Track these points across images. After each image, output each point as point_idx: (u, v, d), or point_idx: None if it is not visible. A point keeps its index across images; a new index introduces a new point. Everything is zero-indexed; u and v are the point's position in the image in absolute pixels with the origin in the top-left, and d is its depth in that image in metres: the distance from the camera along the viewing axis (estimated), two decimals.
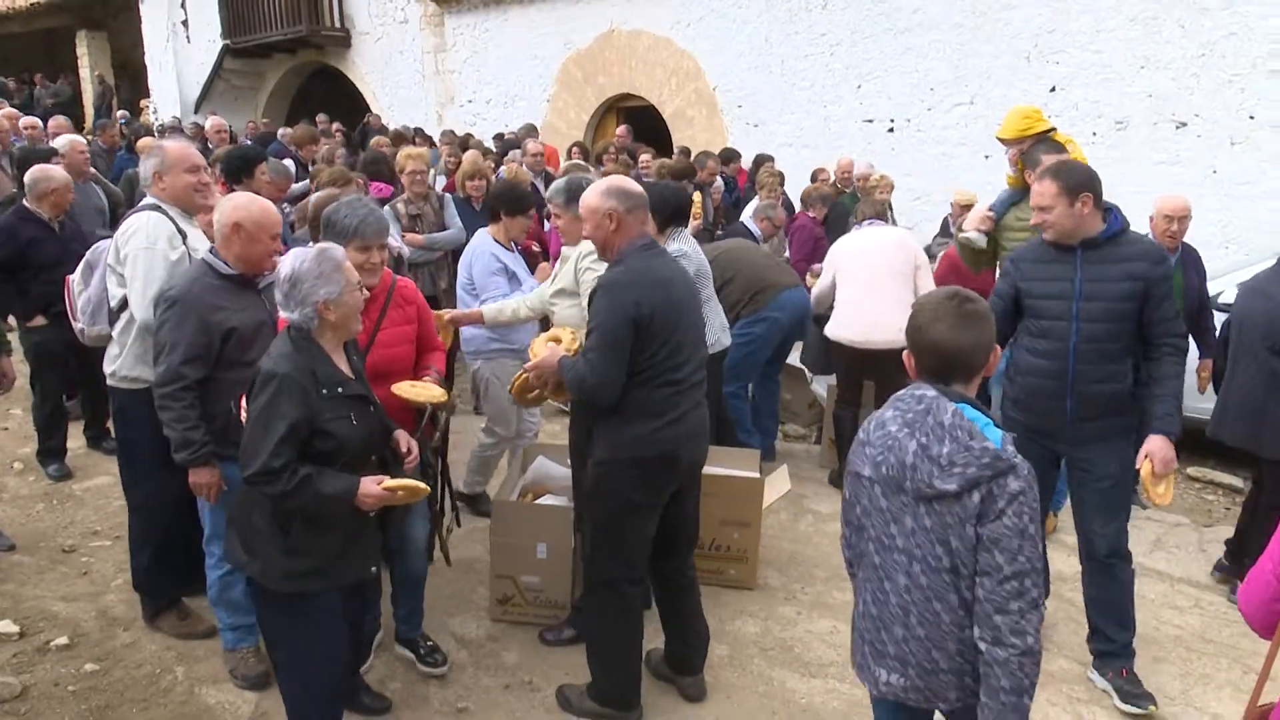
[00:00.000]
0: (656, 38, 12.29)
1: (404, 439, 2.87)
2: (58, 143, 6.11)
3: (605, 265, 3.18)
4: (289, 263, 2.56)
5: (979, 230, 4.53)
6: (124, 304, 3.42)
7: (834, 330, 5.18)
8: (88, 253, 3.96)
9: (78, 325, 3.90)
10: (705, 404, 3.18)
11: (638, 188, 3.12)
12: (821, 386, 6.20)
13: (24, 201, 5.06)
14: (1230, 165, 8.21)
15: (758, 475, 4.16)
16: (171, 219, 3.43)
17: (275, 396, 2.47)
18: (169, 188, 3.47)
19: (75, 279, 3.96)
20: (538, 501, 3.93)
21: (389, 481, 2.61)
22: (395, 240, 5.20)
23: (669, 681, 3.40)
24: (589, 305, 3.03)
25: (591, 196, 3.03)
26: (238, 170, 5.06)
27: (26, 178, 5.14)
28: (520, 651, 3.64)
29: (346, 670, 2.95)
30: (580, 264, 3.38)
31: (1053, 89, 9.13)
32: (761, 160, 9.13)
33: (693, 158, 8.68)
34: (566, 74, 13.46)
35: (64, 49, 21.41)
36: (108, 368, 3.52)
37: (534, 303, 4.13)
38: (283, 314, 2.60)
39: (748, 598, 4.08)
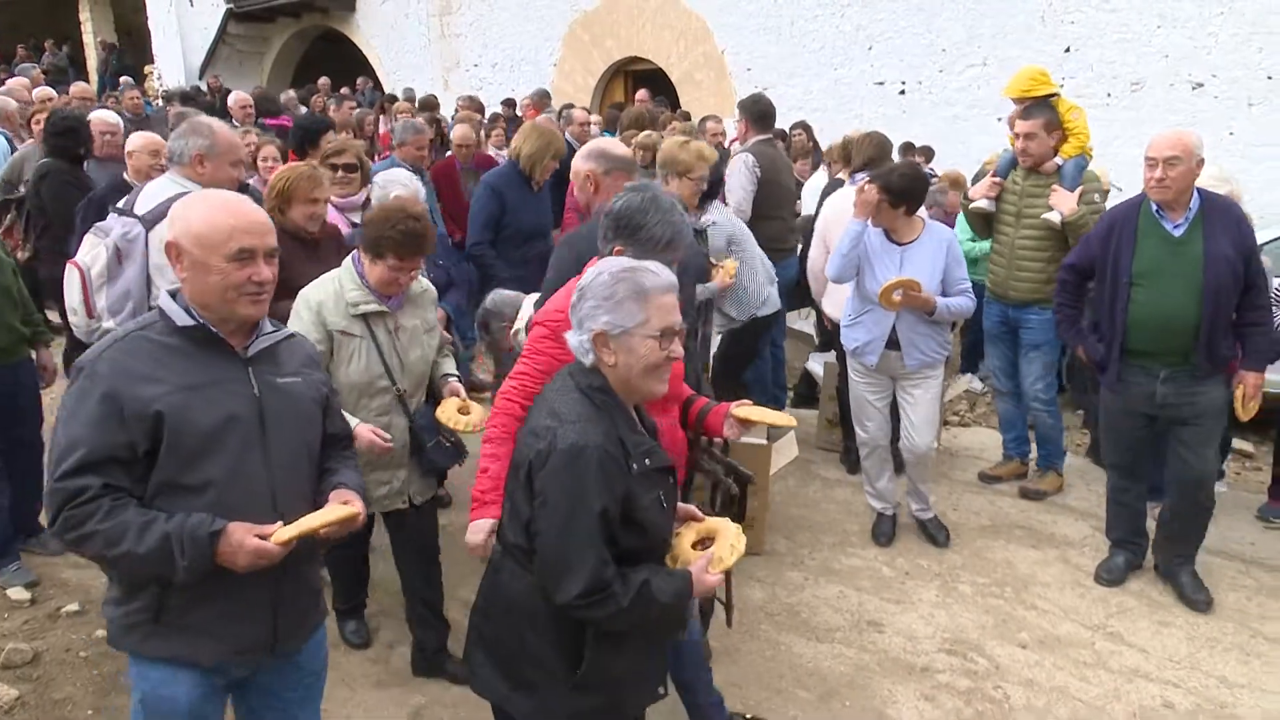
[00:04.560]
0: None
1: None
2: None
3: None
4: (596, 267, 1.99)
5: (988, 198, 4.59)
6: None
7: (830, 309, 4.81)
8: (113, 236, 3.18)
9: (102, 323, 3.16)
10: None
11: (622, 150, 3.20)
12: (818, 364, 5.55)
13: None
14: (1248, 126, 8.08)
15: (765, 441, 4.15)
16: None
17: (583, 478, 1.78)
18: (209, 176, 3.15)
19: (92, 268, 3.17)
20: None
21: (715, 568, 1.96)
22: None
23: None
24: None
25: (575, 159, 3.15)
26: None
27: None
28: None
29: None
30: None
31: (1067, 49, 8.97)
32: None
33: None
34: (573, 37, 13.29)
35: (67, 14, 21.26)
36: None
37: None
38: (570, 339, 1.96)
39: (755, 563, 4.08)
